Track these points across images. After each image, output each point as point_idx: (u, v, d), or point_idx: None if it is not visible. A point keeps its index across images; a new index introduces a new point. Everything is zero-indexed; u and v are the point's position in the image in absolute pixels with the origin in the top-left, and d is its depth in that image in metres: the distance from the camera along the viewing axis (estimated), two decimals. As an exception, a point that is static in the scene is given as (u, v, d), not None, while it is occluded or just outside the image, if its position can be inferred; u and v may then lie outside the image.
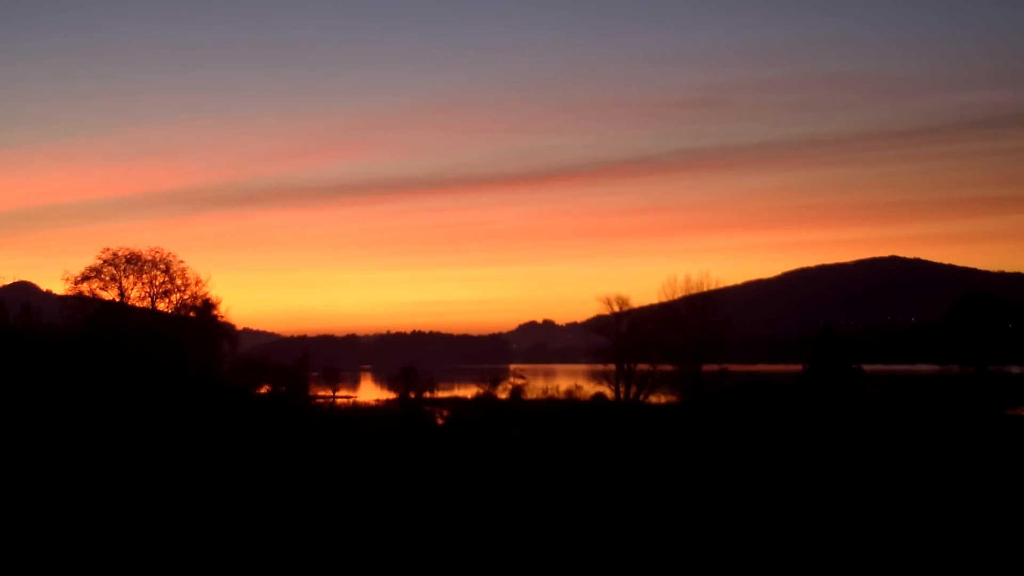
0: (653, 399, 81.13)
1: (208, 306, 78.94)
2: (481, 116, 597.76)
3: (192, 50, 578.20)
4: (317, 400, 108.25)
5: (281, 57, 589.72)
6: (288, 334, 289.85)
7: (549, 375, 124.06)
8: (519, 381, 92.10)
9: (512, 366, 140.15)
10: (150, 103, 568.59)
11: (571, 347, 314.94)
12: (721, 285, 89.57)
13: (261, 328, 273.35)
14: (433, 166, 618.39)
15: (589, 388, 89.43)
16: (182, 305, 76.32)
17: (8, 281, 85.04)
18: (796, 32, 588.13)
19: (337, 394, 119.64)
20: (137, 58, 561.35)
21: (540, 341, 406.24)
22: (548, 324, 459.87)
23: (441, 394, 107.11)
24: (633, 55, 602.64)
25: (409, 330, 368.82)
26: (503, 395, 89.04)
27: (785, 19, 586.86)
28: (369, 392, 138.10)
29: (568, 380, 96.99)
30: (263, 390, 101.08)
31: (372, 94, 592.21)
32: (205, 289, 77.35)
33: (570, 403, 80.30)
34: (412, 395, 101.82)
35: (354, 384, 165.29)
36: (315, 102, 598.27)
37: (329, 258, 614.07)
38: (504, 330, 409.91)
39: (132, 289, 72.53)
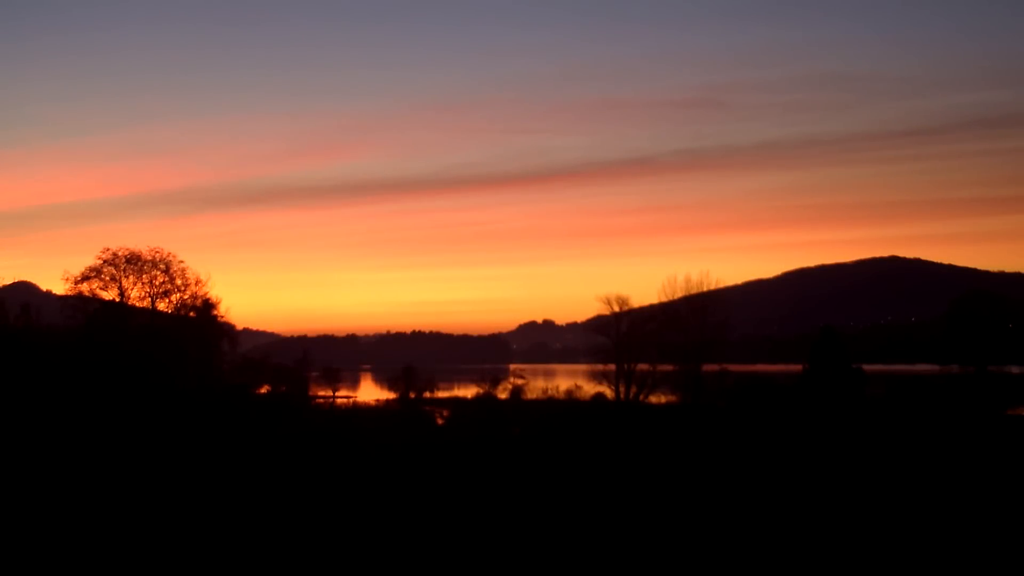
0: (653, 399, 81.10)
1: (208, 306, 79.02)
2: (480, 116, 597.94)
3: (192, 50, 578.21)
4: (317, 400, 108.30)
5: (281, 57, 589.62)
6: (288, 334, 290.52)
7: (549, 375, 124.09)
8: (519, 381, 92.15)
9: (512, 366, 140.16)
10: (150, 103, 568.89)
11: (571, 347, 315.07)
12: (721, 285, 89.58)
13: (261, 328, 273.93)
14: (433, 166, 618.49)
15: (589, 388, 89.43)
16: (182, 305, 76.40)
17: (8, 281, 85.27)
18: (796, 32, 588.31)
19: (337, 394, 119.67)
20: (137, 58, 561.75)
21: (540, 341, 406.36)
22: (548, 324, 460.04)
23: (441, 394, 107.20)
24: (632, 55, 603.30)
25: (409, 330, 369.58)
26: (503, 395, 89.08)
27: (785, 19, 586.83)
28: (369, 392, 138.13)
29: (568, 380, 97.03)
30: (263, 390, 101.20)
31: (372, 94, 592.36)
32: (205, 289, 77.50)
33: (570, 403, 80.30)
34: (412, 395, 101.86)
35: (354, 384, 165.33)
36: (315, 102, 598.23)
37: (329, 258, 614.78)
38: (504, 330, 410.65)
39: (132, 289, 72.66)
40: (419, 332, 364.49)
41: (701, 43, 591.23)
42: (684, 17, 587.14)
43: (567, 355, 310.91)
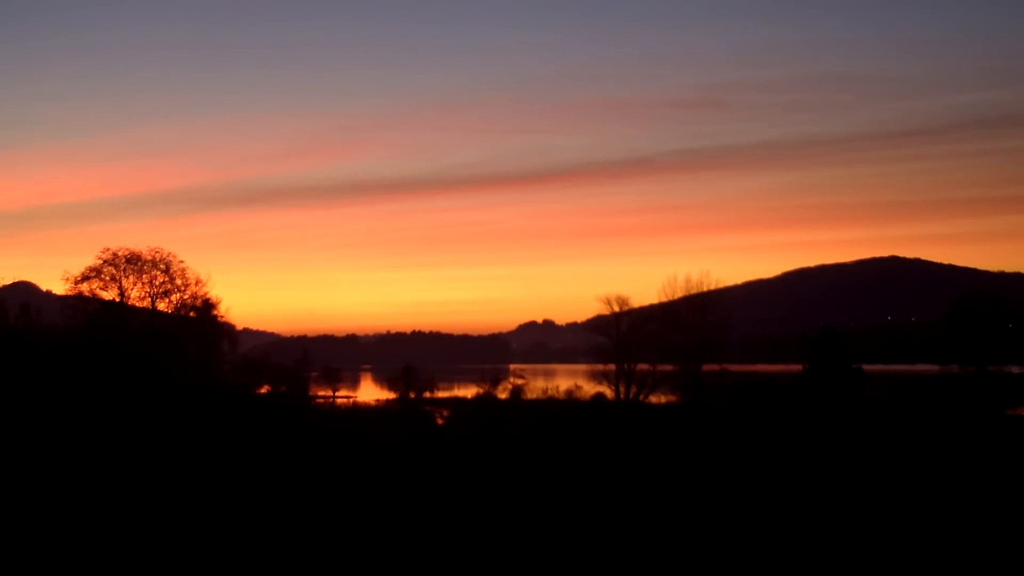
0: (653, 399, 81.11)
1: (208, 306, 79.07)
2: (479, 116, 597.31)
3: (192, 50, 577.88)
4: (317, 400, 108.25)
5: (281, 57, 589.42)
6: (288, 334, 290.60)
7: (549, 375, 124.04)
8: (519, 381, 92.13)
9: (512, 366, 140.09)
10: (150, 103, 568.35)
11: (571, 347, 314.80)
12: (721, 285, 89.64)
13: (261, 328, 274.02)
14: (433, 166, 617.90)
15: (589, 388, 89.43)
16: (182, 305, 76.45)
17: (8, 281, 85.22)
18: (795, 32, 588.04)
19: (337, 394, 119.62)
20: (137, 58, 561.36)
21: (540, 341, 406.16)
22: (548, 324, 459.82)
23: (441, 394, 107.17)
24: (631, 55, 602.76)
25: (409, 330, 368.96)
26: (503, 395, 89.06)
27: (785, 19, 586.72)
28: (369, 392, 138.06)
29: (568, 380, 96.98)
30: (263, 390, 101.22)
31: (372, 94, 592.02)
32: (205, 289, 77.58)
33: (570, 403, 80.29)
34: (412, 395, 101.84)
35: (354, 384, 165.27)
36: (315, 102, 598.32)
37: (329, 258, 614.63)
38: (504, 330, 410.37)
39: (132, 289, 72.73)
40: (419, 332, 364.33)
41: (701, 43, 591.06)
42: (684, 17, 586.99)
43: (567, 355, 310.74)
